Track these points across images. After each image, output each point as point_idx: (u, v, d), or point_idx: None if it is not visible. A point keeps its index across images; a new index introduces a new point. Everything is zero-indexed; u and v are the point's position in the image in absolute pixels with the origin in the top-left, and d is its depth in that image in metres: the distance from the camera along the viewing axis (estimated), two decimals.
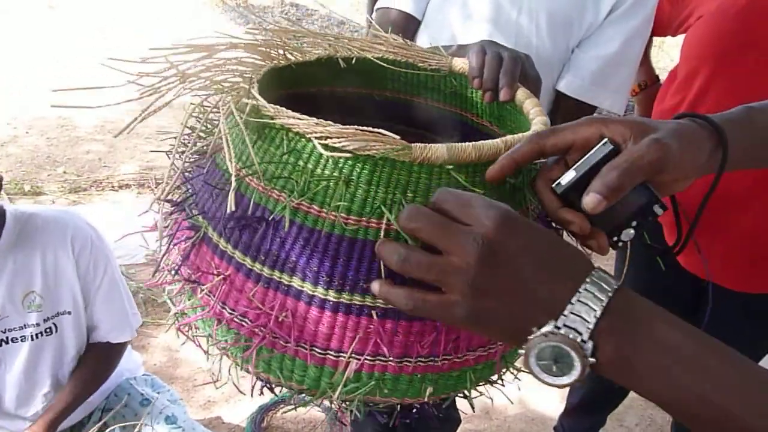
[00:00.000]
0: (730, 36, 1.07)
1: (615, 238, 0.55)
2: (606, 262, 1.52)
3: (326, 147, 0.54)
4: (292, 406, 1.82)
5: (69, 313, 1.22)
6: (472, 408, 0.64)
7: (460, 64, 0.80)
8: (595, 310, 0.44)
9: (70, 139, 3.47)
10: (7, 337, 1.17)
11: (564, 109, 0.96)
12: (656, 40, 1.31)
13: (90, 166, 3.24)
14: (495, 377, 0.66)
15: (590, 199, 0.49)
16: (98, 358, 1.30)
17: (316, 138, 0.55)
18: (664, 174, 0.51)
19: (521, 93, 0.73)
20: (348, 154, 0.55)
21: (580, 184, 0.52)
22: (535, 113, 0.67)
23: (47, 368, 1.24)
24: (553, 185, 0.54)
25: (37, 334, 1.20)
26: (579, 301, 0.44)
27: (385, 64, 0.79)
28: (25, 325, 1.18)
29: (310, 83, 0.81)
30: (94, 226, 1.24)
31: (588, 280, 0.45)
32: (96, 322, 1.27)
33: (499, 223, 0.46)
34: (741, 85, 1.08)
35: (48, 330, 1.21)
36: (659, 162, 0.50)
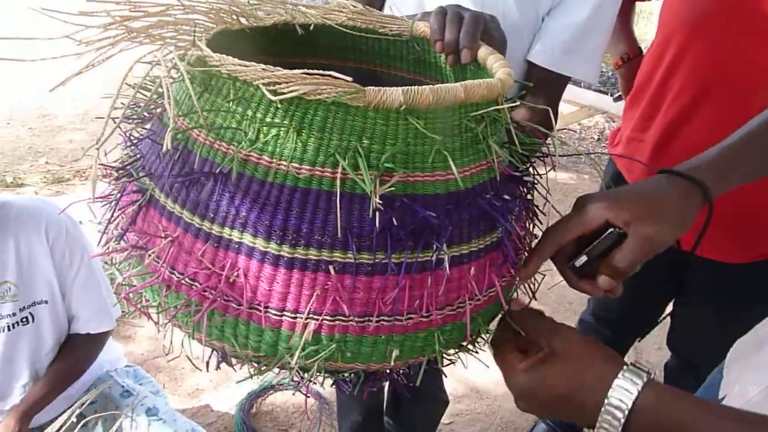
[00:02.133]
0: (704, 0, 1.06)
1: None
2: None
3: (275, 93, 0.51)
4: (282, 391, 1.78)
5: (46, 302, 1.19)
6: (443, 374, 0.60)
7: (422, 27, 0.77)
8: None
9: (51, 128, 3.40)
10: None
11: (536, 79, 0.94)
12: (644, 11, 1.31)
13: (73, 156, 3.16)
14: (466, 342, 0.63)
15: (603, 282, 0.62)
16: (77, 350, 1.26)
17: (263, 84, 0.52)
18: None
19: (483, 51, 0.70)
20: (297, 100, 0.52)
21: (592, 263, 0.62)
22: (498, 65, 0.65)
23: (24, 359, 1.20)
24: (569, 264, 0.64)
25: (12, 325, 1.16)
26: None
27: (344, 30, 0.77)
28: None
29: (270, 53, 0.79)
30: (69, 215, 1.20)
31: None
32: (74, 312, 1.24)
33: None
34: (716, 49, 1.07)
35: (24, 320, 1.17)
36: (654, 251, 0.61)
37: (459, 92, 0.54)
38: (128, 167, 0.61)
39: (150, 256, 0.57)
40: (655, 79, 1.17)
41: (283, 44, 0.77)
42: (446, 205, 0.55)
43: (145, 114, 0.63)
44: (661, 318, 0.94)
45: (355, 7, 0.79)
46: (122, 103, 0.59)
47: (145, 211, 0.59)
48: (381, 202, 0.51)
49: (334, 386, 0.61)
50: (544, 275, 0.75)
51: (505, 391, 2.00)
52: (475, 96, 0.56)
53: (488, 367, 0.64)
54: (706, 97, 1.09)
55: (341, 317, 0.54)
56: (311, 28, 0.76)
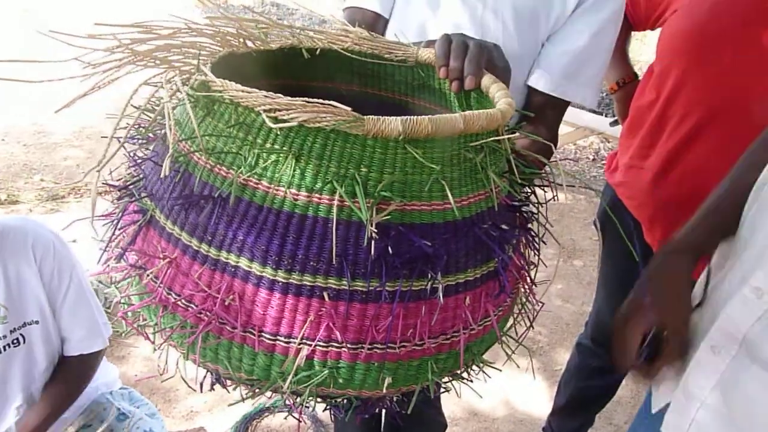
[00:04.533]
0: (703, 31, 1.06)
1: None
2: (591, 258, 1.48)
3: (275, 120, 0.52)
4: (278, 413, 1.76)
5: (36, 322, 1.17)
6: (431, 394, 0.60)
7: (427, 54, 0.78)
8: None
9: (46, 145, 3.40)
10: None
11: (535, 104, 0.95)
12: (638, 34, 1.32)
13: (68, 173, 3.15)
14: (460, 370, 0.62)
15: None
16: (71, 372, 1.24)
17: (264, 111, 0.52)
18: None
19: (487, 79, 0.71)
20: (297, 127, 0.52)
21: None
22: (500, 95, 0.65)
23: (17, 382, 1.19)
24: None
25: (4, 347, 1.15)
26: None
27: (350, 54, 0.78)
28: None
29: (275, 76, 0.80)
30: (56, 232, 1.20)
31: None
32: (65, 332, 1.23)
33: None
34: (715, 81, 1.07)
35: (15, 341, 1.16)
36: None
37: (458, 122, 0.55)
38: (130, 187, 0.62)
39: (148, 276, 0.58)
40: (655, 109, 1.17)
41: (289, 68, 0.79)
42: (443, 234, 0.56)
43: (149, 135, 0.64)
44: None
45: (361, 32, 0.80)
46: (127, 123, 0.60)
47: (145, 231, 0.59)
48: (377, 230, 0.51)
49: (327, 411, 0.61)
50: (543, 303, 0.75)
51: (504, 413, 1.97)
52: (474, 126, 0.56)
53: (481, 397, 0.63)
54: (706, 125, 1.09)
55: (334, 343, 0.54)
56: (317, 52, 0.77)
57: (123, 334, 2.02)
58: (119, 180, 0.64)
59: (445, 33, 0.76)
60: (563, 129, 3.66)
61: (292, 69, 0.79)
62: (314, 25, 0.81)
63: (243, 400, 0.58)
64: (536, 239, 0.68)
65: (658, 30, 1.21)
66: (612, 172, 1.33)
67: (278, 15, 6.16)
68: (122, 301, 0.60)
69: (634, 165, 1.23)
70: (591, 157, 3.74)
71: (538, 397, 1.97)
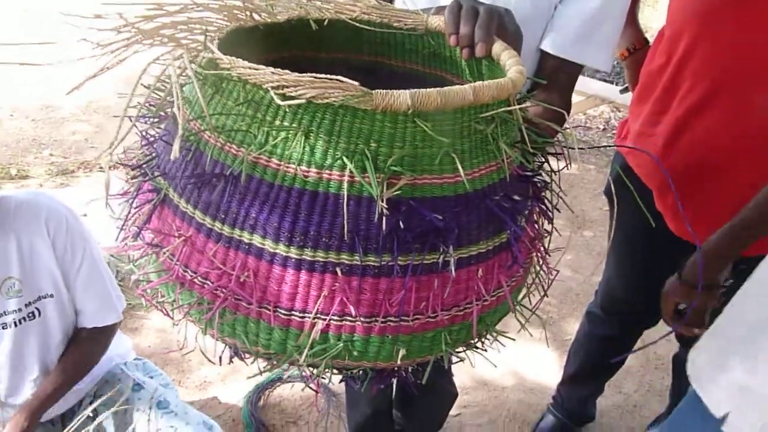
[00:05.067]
0: None
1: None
2: (601, 228, 1.47)
3: (283, 97, 0.52)
4: (290, 383, 1.81)
5: (51, 296, 1.20)
6: (445, 364, 0.61)
7: (437, 22, 0.77)
8: None
9: (55, 120, 3.40)
10: None
11: (548, 68, 0.93)
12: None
13: (77, 148, 3.16)
14: (474, 340, 0.63)
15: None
16: (85, 343, 1.27)
17: (272, 88, 0.52)
18: None
19: (498, 46, 0.69)
20: (306, 103, 0.52)
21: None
22: (511, 63, 0.64)
23: (34, 354, 1.22)
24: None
25: (19, 320, 1.17)
26: None
27: (359, 24, 0.76)
28: (5, 312, 1.16)
29: (284, 48, 0.79)
30: (69, 206, 1.22)
31: None
32: (79, 305, 1.26)
33: None
34: (726, 44, 1.03)
35: (30, 315, 1.18)
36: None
37: (468, 94, 0.54)
38: (144, 166, 0.62)
39: (165, 254, 0.59)
40: (666, 74, 1.14)
41: (298, 39, 0.78)
42: (454, 207, 0.55)
43: (161, 113, 0.64)
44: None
45: (369, 1, 0.78)
46: (138, 103, 0.60)
47: (159, 209, 0.60)
48: (388, 205, 0.51)
49: (342, 382, 0.62)
50: (558, 271, 0.75)
51: (513, 382, 2.00)
52: (484, 97, 0.55)
53: (495, 366, 0.64)
54: (717, 92, 1.06)
55: (348, 317, 0.55)
56: (325, 23, 0.76)
57: (136, 306, 2.06)
58: (132, 159, 0.64)
59: (455, 0, 0.74)
60: (573, 98, 3.57)
61: (301, 41, 0.78)
62: None
63: (261, 373, 0.59)
64: (549, 209, 0.68)
65: None
66: (622, 139, 1.31)
67: None
68: (140, 278, 0.62)
69: (644, 132, 1.21)
70: (601, 127, 3.66)
71: (547, 367, 1.98)
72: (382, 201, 0.51)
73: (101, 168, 2.98)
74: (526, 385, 1.92)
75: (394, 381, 1.36)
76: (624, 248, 1.40)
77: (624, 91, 1.51)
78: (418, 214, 0.54)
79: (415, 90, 0.52)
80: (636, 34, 1.36)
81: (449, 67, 0.80)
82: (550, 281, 0.72)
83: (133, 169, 0.63)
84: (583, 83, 3.35)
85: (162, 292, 0.62)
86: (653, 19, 4.16)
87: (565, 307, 2.22)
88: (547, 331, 2.13)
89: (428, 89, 0.53)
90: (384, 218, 0.52)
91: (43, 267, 1.17)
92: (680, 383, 1.20)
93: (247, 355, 0.62)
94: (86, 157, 3.10)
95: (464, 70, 0.78)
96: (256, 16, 0.72)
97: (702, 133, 1.10)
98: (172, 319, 0.61)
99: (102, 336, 1.28)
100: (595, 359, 1.61)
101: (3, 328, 1.16)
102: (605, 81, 3.55)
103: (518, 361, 1.97)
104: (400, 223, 0.53)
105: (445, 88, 0.53)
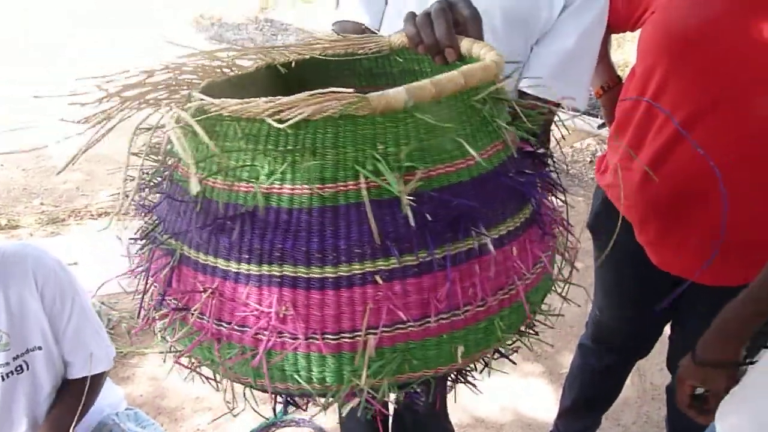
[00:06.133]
0: (685, 27, 1.04)
1: None
2: (592, 259, 1.49)
3: (281, 121, 0.51)
4: (284, 428, 1.75)
5: (39, 348, 1.17)
6: (511, 361, 0.58)
7: (399, 38, 0.79)
8: None
9: (46, 169, 3.38)
10: None
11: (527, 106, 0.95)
12: (627, 35, 1.32)
13: (67, 196, 3.15)
14: (524, 327, 0.61)
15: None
16: (75, 394, 1.22)
17: (268, 116, 0.52)
18: None
19: (465, 43, 0.71)
20: (305, 122, 0.52)
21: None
22: (485, 51, 0.65)
23: (22, 408, 1.18)
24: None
25: (7, 374, 1.14)
26: None
27: (324, 57, 0.78)
28: None
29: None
30: (56, 257, 1.20)
31: None
32: (68, 356, 1.22)
33: None
34: (698, 78, 1.05)
35: (18, 368, 1.15)
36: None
37: (459, 79, 0.55)
38: (151, 234, 0.61)
39: (194, 314, 0.56)
40: (640, 109, 1.15)
41: (270, 86, 0.78)
42: (473, 189, 0.55)
43: (157, 179, 0.63)
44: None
45: (330, 35, 0.80)
46: (129, 175, 0.59)
47: (178, 271, 0.58)
48: (411, 198, 0.51)
49: (402, 400, 0.59)
50: (580, 243, 0.74)
51: (511, 419, 1.95)
52: (474, 79, 0.56)
53: (536, 333, 0.62)
54: (692, 123, 1.06)
55: (400, 325, 0.53)
56: (293, 65, 0.77)
57: (127, 355, 2.01)
58: (137, 232, 0.63)
59: (408, 12, 0.76)
60: (560, 131, 3.63)
61: (274, 87, 0.78)
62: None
63: (324, 409, 0.56)
64: (557, 181, 0.68)
65: (636, 33, 1.19)
66: (602, 173, 1.32)
67: (272, 31, 6.24)
68: (172, 348, 0.58)
69: (622, 166, 1.22)
70: (588, 159, 3.72)
71: (544, 401, 1.95)
72: (406, 195, 0.50)
73: (92, 215, 2.95)
74: (523, 421, 1.87)
75: (389, 420, 1.32)
76: (611, 280, 1.40)
77: (602, 126, 1.54)
78: (442, 203, 0.53)
79: (409, 84, 0.53)
80: (609, 72, 1.38)
81: (422, 78, 0.81)
82: (575, 255, 0.71)
83: (141, 239, 0.60)
84: (569, 117, 3.44)
85: (198, 356, 0.59)
86: (618, 58, 4.33)
87: (559, 339, 2.18)
88: (543, 365, 2.09)
89: (420, 81, 0.53)
90: (411, 213, 0.51)
91: (32, 319, 1.14)
92: (676, 413, 1.16)
93: (301, 399, 0.59)
94: (76, 205, 3.08)
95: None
96: (226, 71, 0.72)
97: (679, 164, 1.10)
98: (217, 381, 0.58)
99: (92, 386, 1.24)
100: (589, 391, 1.58)
101: None
102: (591, 115, 3.64)
103: (515, 396, 1.94)
104: (427, 216, 0.52)
105: (436, 77, 0.54)
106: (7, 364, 1.14)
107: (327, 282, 0.52)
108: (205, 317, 0.56)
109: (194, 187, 0.46)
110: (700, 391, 0.99)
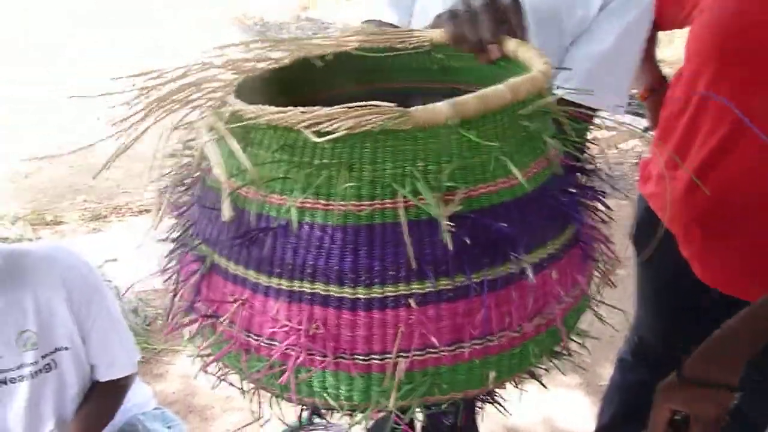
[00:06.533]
0: (730, 30, 0.97)
1: None
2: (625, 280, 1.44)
3: (319, 134, 0.49)
4: (314, 430, 1.76)
5: (67, 348, 1.20)
6: (537, 378, 0.57)
7: (439, 34, 0.75)
8: None
9: (90, 166, 3.49)
10: (4, 378, 1.15)
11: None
12: (665, 36, 1.23)
13: (109, 193, 3.28)
14: (559, 348, 0.59)
15: None
16: (101, 396, 1.26)
17: (305, 127, 0.50)
18: None
19: (511, 44, 0.68)
20: (344, 136, 0.49)
21: None
22: (534, 57, 0.62)
23: (50, 406, 1.21)
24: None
25: (35, 372, 1.17)
26: None
27: (363, 53, 0.75)
28: (21, 365, 1.16)
29: (292, 94, 0.77)
30: (86, 260, 1.23)
31: None
32: (94, 359, 1.25)
33: None
34: (747, 86, 0.98)
35: (47, 367, 1.18)
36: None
37: (505, 93, 0.52)
38: (183, 237, 0.60)
39: (223, 323, 0.55)
40: (686, 116, 1.09)
41: (306, 80, 0.76)
42: (515, 211, 0.53)
43: (190, 179, 0.61)
44: None
45: (369, 29, 0.77)
46: (163, 174, 0.58)
47: (208, 278, 0.57)
48: (450, 223, 0.48)
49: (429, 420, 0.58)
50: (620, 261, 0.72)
51: (543, 431, 1.86)
52: (521, 93, 0.53)
53: (569, 355, 0.60)
54: (742, 132, 1.00)
55: (431, 350, 0.51)
56: (330, 58, 0.74)
57: (161, 352, 2.05)
58: (169, 230, 0.62)
59: (449, 9, 0.72)
60: (604, 133, 3.50)
61: (309, 81, 0.76)
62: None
63: (350, 427, 0.55)
64: (601, 195, 0.65)
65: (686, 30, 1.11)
66: (645, 182, 1.26)
67: (313, 29, 6.21)
68: (201, 355, 0.58)
69: (666, 175, 1.16)
70: (634, 161, 3.57)
71: (581, 414, 1.89)
72: (445, 219, 0.48)
73: (133, 212, 3.06)
74: None
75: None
76: (650, 294, 1.34)
77: (646, 130, 1.47)
78: (482, 226, 0.51)
79: (453, 99, 0.50)
80: (654, 74, 1.31)
81: (464, 77, 0.78)
82: (614, 269, 0.68)
83: (172, 242, 0.60)
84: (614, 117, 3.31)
85: (226, 363, 0.58)
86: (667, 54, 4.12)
87: (598, 351, 2.08)
88: (581, 377, 2.02)
89: (466, 95, 0.50)
90: (450, 237, 0.49)
91: (59, 321, 1.18)
92: None
93: (327, 412, 0.59)
94: (117, 202, 3.20)
95: (481, 77, 0.76)
96: (260, 65, 0.70)
97: (726, 174, 1.04)
98: (243, 390, 0.58)
99: (118, 389, 1.28)
100: (628, 408, 1.52)
101: (20, 380, 1.16)
102: (637, 115, 3.51)
103: (551, 408, 1.89)
104: (466, 240, 0.50)
105: (481, 90, 0.51)
106: (36, 362, 1.17)
107: (359, 303, 0.50)
108: (234, 326, 0.55)
109: (227, 213, 0.45)
110: (680, 416, 0.84)
